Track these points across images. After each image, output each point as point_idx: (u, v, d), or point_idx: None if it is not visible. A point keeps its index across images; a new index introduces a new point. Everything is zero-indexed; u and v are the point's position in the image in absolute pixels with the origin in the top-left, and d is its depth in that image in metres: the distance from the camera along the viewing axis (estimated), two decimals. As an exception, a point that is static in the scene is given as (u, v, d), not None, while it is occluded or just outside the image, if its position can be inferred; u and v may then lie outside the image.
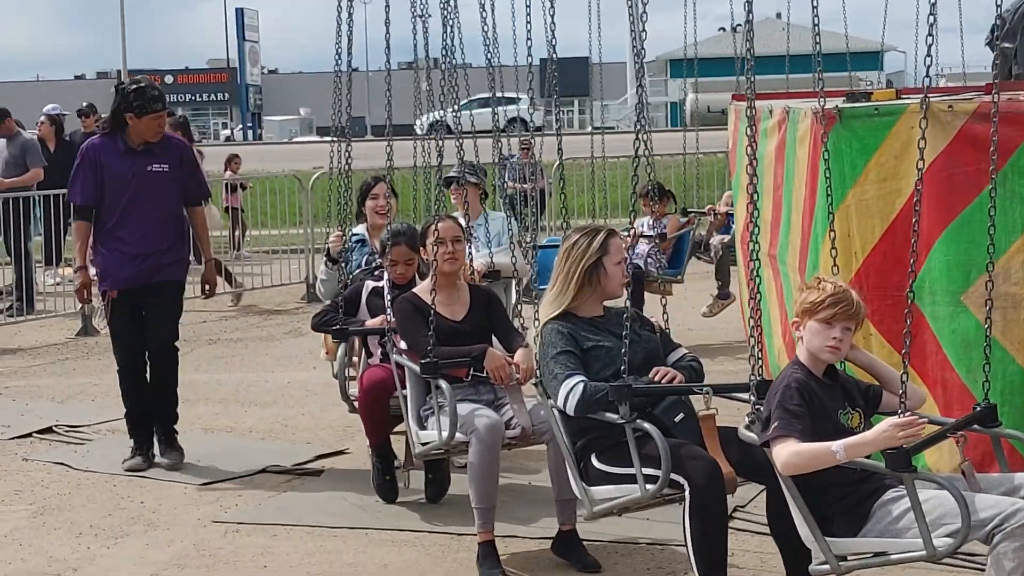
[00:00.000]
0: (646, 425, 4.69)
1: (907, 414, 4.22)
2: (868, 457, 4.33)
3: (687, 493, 4.67)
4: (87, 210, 7.42)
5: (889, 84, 40.53)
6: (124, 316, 7.42)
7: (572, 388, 4.90)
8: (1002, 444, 4.76)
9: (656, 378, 5.02)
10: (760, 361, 4.97)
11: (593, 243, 5.17)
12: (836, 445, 4.29)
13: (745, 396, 4.93)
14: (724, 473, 4.71)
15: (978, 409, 4.61)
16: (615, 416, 4.76)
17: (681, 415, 4.89)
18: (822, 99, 6.09)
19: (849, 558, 4.44)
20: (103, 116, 14.06)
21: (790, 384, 4.49)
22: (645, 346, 5.14)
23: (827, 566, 4.44)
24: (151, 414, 7.49)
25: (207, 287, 7.73)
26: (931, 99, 6.09)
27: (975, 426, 4.59)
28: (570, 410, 4.91)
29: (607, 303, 5.30)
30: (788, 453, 4.37)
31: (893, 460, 4.15)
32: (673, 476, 4.64)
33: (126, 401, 7.54)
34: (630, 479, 4.75)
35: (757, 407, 4.57)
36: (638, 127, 4.73)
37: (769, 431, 4.44)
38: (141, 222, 7.34)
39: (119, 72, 54.52)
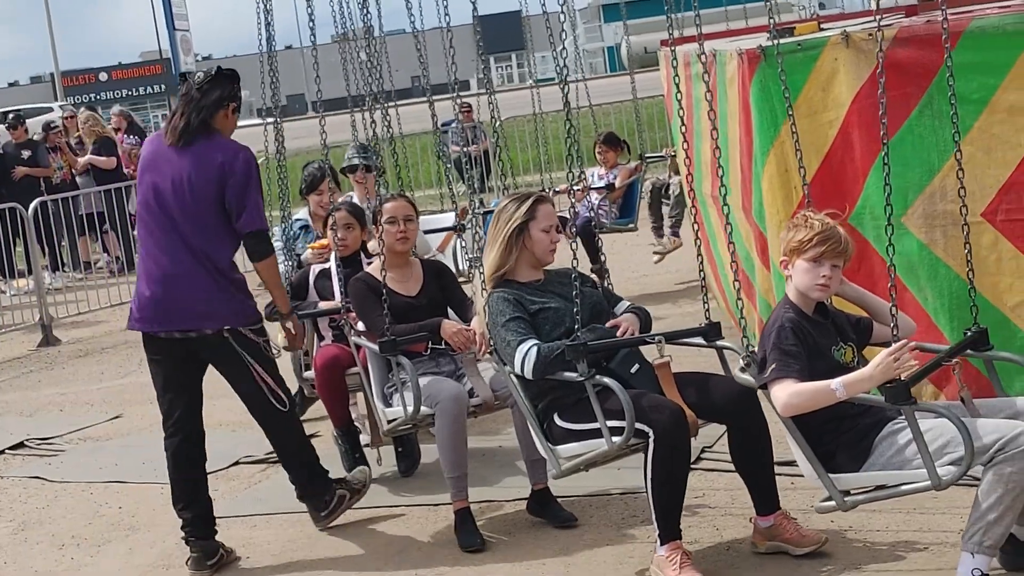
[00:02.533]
0: (606, 380, 4.74)
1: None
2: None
3: (651, 440, 4.72)
4: None
5: (821, 7, 40.56)
6: None
7: (527, 353, 4.95)
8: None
9: (612, 330, 5.08)
10: (708, 307, 5.07)
11: (520, 208, 5.22)
12: (836, 383, 4.27)
13: (698, 341, 5.03)
14: (686, 418, 4.78)
15: (969, 334, 4.58)
16: (574, 374, 4.82)
17: (637, 366, 4.94)
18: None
19: (853, 492, 4.42)
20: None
21: (784, 324, 4.47)
22: (589, 301, 5.18)
23: (832, 502, 4.43)
24: None
25: None
26: (851, 29, 6.20)
27: (968, 351, 4.55)
28: (528, 374, 4.95)
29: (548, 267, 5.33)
30: (788, 394, 4.35)
31: (893, 394, 4.13)
32: (638, 426, 4.70)
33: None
34: (595, 434, 4.82)
35: (751, 350, 4.56)
36: (565, 90, 4.76)
37: (766, 373, 4.42)
38: None
39: (52, 75, 53.91)
